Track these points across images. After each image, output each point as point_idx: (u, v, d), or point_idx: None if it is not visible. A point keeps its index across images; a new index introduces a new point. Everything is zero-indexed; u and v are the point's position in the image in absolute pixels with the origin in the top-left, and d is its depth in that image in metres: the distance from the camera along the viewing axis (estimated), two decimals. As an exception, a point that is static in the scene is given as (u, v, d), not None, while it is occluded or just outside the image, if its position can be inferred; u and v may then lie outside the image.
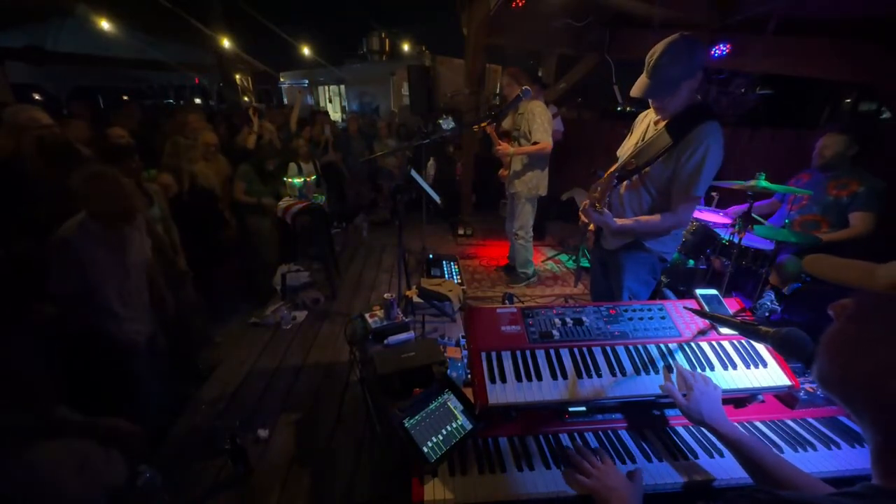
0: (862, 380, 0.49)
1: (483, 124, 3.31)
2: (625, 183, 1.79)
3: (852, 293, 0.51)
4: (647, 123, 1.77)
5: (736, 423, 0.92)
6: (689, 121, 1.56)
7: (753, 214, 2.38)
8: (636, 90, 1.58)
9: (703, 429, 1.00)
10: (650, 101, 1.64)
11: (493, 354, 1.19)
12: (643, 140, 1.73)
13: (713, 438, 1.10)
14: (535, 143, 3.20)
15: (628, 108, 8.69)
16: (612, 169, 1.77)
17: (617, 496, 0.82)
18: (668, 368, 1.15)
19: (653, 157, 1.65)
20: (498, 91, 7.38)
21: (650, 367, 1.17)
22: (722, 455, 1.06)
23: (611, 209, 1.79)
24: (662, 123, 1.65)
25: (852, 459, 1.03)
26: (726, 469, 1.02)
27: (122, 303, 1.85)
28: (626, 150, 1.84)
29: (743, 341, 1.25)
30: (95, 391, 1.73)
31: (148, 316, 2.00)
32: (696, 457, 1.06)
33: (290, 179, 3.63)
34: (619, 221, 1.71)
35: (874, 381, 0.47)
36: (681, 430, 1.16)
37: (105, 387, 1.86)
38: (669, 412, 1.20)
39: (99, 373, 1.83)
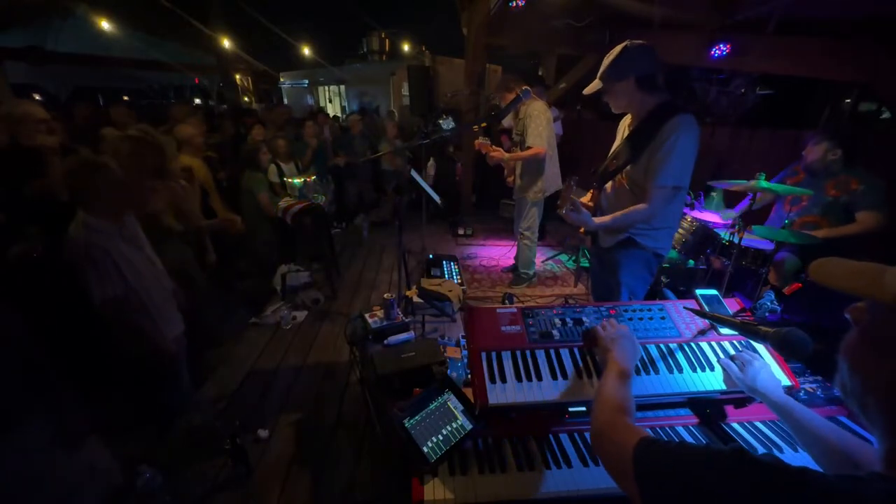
0: (880, 389, 0.49)
1: (476, 142, 3.35)
2: (610, 182, 1.87)
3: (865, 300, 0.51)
4: (625, 126, 1.86)
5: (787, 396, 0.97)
6: (657, 119, 1.63)
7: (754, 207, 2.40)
8: (588, 89, 1.73)
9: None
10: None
11: (493, 354, 1.19)
12: (622, 141, 1.82)
13: (711, 439, 1.11)
14: (528, 148, 3.21)
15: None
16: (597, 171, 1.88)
17: (619, 344, 1.03)
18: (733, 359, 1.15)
19: (629, 156, 1.72)
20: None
21: (650, 367, 1.17)
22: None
23: (601, 208, 1.93)
24: (636, 123, 1.74)
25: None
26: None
27: (151, 300, 1.80)
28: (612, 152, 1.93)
29: (743, 341, 1.24)
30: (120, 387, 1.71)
31: (176, 313, 1.99)
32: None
33: (289, 179, 3.62)
34: (597, 220, 1.76)
35: (891, 391, 0.47)
36: (680, 429, 1.16)
37: (129, 383, 1.87)
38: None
39: (128, 369, 1.83)
